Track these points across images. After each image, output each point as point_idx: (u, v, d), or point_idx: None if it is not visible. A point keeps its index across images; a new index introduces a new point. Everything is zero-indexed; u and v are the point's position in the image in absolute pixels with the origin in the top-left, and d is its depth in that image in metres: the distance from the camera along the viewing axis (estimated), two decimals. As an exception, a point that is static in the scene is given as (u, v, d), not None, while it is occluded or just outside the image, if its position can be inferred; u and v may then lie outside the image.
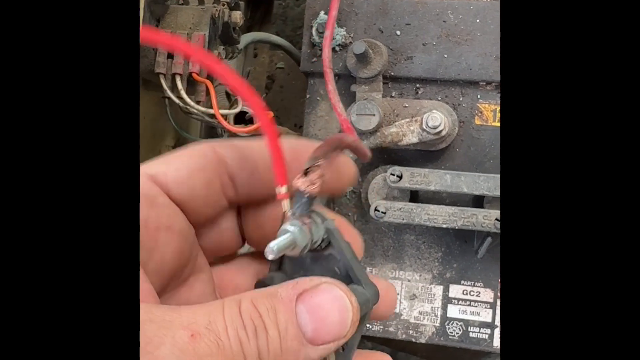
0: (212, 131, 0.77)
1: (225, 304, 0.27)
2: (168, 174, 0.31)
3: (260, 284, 0.33)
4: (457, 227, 0.52)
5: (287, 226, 0.30)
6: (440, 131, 0.54)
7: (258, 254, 0.37)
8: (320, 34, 0.58)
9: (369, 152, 0.37)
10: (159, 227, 0.31)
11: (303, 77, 1.04)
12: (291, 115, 1.00)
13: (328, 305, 0.28)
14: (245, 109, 0.55)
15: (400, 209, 0.53)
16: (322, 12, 0.59)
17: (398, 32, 0.58)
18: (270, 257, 0.29)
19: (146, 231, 0.30)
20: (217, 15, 0.54)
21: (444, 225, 0.52)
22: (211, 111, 0.50)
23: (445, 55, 0.57)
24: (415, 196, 0.56)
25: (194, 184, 0.31)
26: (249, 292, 0.29)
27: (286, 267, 0.33)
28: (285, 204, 0.30)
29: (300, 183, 0.30)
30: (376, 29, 0.59)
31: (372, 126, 0.54)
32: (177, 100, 0.51)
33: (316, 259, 0.31)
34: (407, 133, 0.55)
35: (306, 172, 0.30)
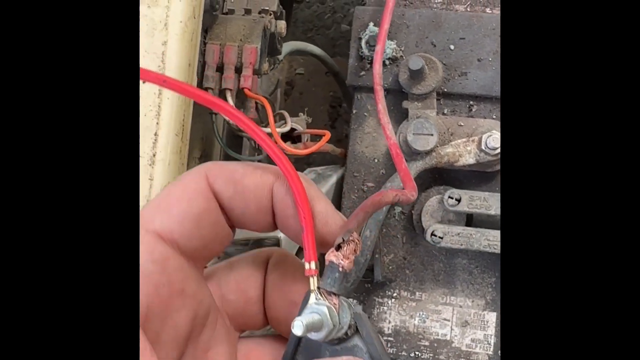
0: (235, 141, 0.74)
1: None
2: (174, 230, 0.28)
3: None
4: (518, 254, 0.50)
5: (315, 304, 0.28)
6: (499, 152, 0.51)
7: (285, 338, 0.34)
8: (371, 47, 0.55)
9: (414, 196, 0.36)
10: (172, 293, 0.28)
11: (323, 84, 1.02)
12: (311, 123, 0.97)
13: None
14: (295, 126, 0.52)
15: (458, 234, 0.51)
16: (371, 24, 0.56)
17: (452, 47, 0.56)
18: (297, 333, 0.27)
19: (158, 299, 0.28)
20: (268, 27, 0.51)
21: (505, 252, 0.50)
22: (265, 130, 0.48)
23: (502, 72, 0.55)
24: (469, 219, 0.54)
25: (202, 232, 0.29)
26: None
27: None
28: (313, 282, 0.28)
29: (333, 256, 0.28)
30: (428, 43, 0.56)
31: (430, 146, 0.51)
32: (227, 117, 0.48)
33: (336, 352, 0.29)
34: (464, 153, 0.52)
35: (339, 246, 0.28)
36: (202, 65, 0.49)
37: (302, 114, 0.55)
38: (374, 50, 0.56)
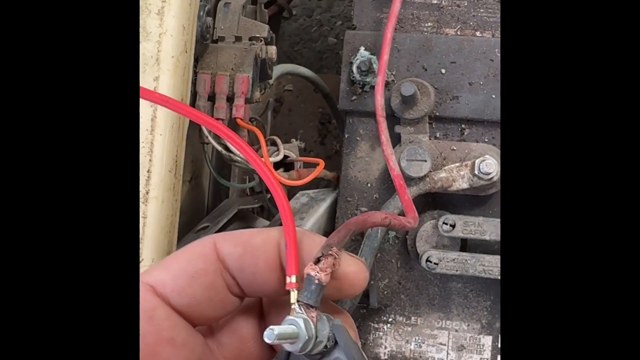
0: (224, 167, 0.73)
1: None
2: (167, 284, 0.30)
3: None
4: (513, 279, 0.50)
5: (292, 316, 0.29)
6: (492, 177, 0.51)
7: None
8: (363, 72, 0.55)
9: (412, 222, 0.37)
10: (159, 341, 0.29)
11: (312, 100, 1.02)
12: (301, 138, 0.97)
13: None
14: (287, 153, 0.52)
15: (453, 259, 0.51)
16: (362, 48, 0.56)
17: (443, 71, 0.56)
18: (267, 340, 0.27)
19: (145, 347, 0.28)
20: (259, 55, 0.50)
21: (500, 277, 0.50)
22: (258, 160, 0.47)
23: (493, 96, 0.55)
24: (464, 243, 0.54)
25: (194, 291, 0.30)
26: None
27: None
28: (293, 295, 0.29)
29: (311, 270, 0.29)
30: (420, 67, 0.56)
31: (424, 172, 0.51)
32: (219, 148, 0.48)
33: None
34: (457, 178, 0.52)
35: (318, 260, 0.29)
36: (193, 95, 0.49)
37: (294, 139, 0.55)
38: (365, 75, 0.56)
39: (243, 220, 0.66)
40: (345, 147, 0.57)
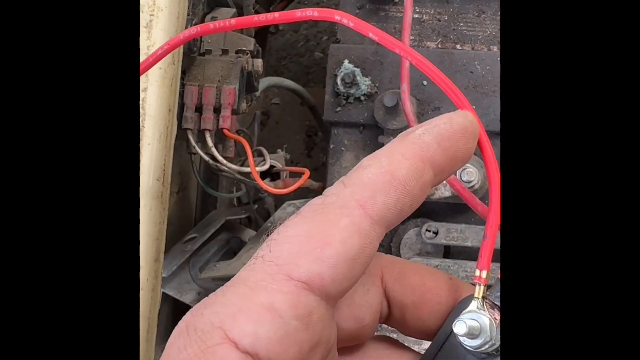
0: (212, 178, 0.74)
1: None
2: (325, 275, 0.25)
3: None
4: (495, 285, 0.51)
5: (476, 312, 0.27)
6: (474, 185, 0.53)
7: (387, 343, 0.33)
8: (347, 84, 0.57)
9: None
10: (311, 347, 0.26)
11: (299, 113, 1.03)
12: (287, 150, 0.98)
13: None
14: (273, 163, 0.53)
15: (437, 266, 0.52)
16: (346, 61, 0.58)
17: (424, 82, 0.57)
18: (458, 331, 0.27)
19: (299, 356, 0.25)
20: (245, 67, 0.52)
21: (482, 283, 0.51)
22: (244, 169, 0.48)
23: (473, 107, 0.56)
24: (446, 250, 0.55)
25: (355, 274, 0.26)
26: None
27: None
28: (479, 290, 0.28)
29: None
30: (402, 79, 0.57)
31: (407, 181, 0.52)
32: (206, 158, 0.49)
33: None
34: (440, 187, 0.54)
35: None
36: (181, 107, 0.50)
37: (280, 150, 0.56)
38: (349, 87, 0.57)
39: (230, 231, 0.67)
40: (330, 157, 0.59)
